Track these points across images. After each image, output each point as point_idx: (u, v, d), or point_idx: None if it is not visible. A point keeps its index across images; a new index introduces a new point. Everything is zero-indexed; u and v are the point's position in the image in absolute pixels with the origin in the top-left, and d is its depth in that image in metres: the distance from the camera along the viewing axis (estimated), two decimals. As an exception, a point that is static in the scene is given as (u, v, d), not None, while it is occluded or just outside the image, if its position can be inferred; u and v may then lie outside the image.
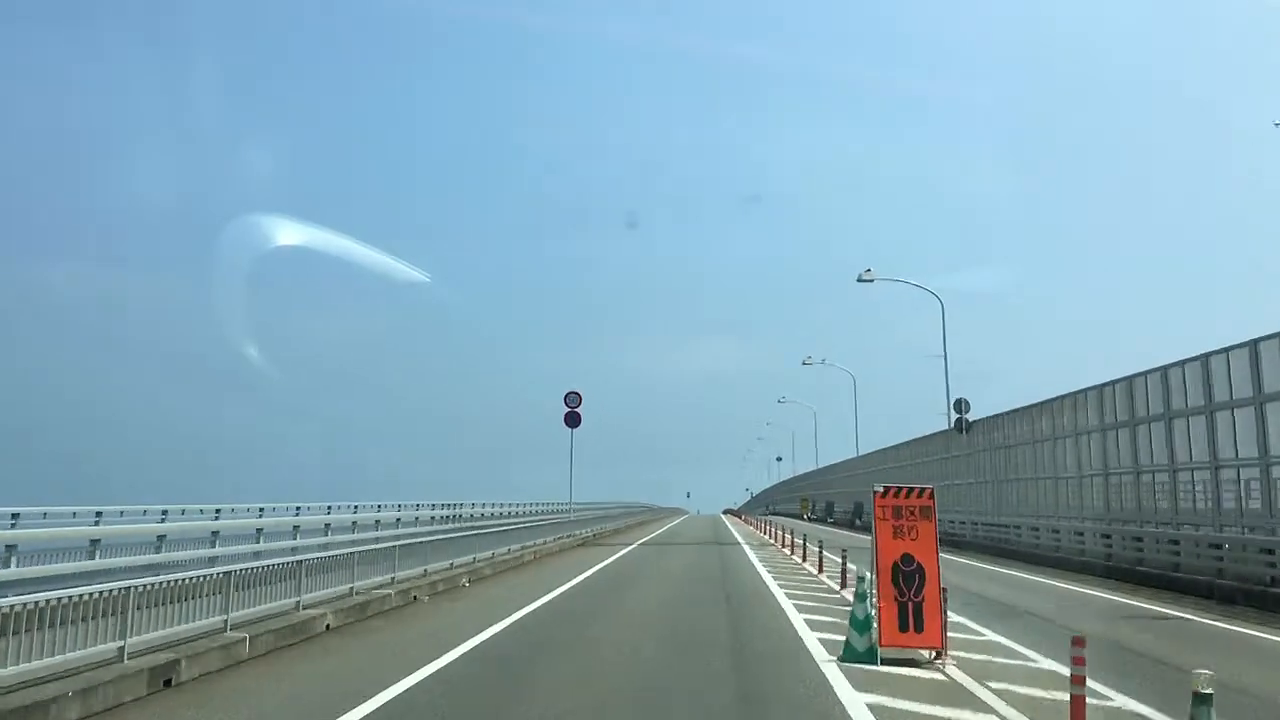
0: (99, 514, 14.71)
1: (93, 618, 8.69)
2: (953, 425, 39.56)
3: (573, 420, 39.40)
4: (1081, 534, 27.78)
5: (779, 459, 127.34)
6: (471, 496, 36.55)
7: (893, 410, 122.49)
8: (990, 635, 12.97)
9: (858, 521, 62.77)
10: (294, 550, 17.30)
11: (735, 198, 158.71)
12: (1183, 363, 22.94)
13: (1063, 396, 31.06)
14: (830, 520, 75.61)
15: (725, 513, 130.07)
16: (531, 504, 42.60)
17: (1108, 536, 26.06)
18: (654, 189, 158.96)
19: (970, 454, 39.17)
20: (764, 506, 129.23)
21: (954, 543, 35.67)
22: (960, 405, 39.10)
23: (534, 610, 15.86)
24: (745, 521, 77.22)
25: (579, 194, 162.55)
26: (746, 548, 35.72)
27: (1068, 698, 7.38)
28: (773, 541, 41.51)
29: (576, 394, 39.72)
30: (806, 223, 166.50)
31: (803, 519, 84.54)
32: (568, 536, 36.29)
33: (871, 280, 43.49)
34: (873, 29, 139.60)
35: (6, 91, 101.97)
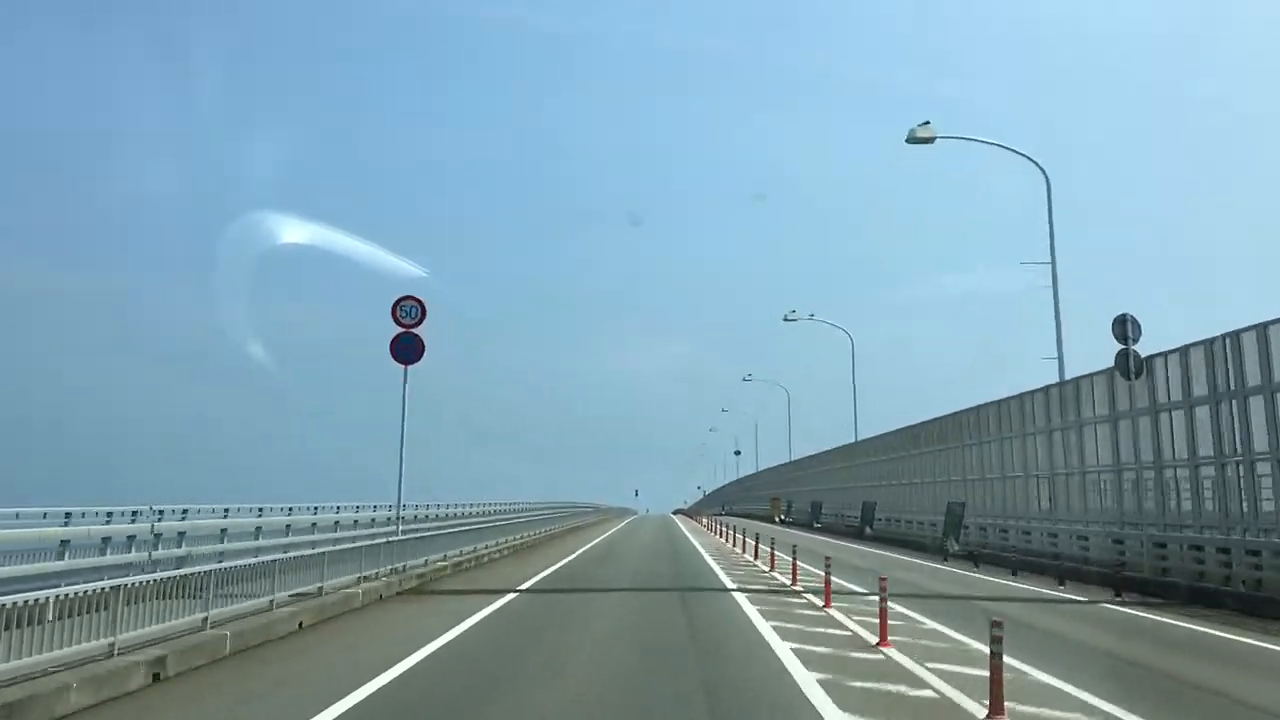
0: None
1: None
2: (1114, 365, 21.79)
3: (406, 349, 21.00)
4: None
5: (738, 452, 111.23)
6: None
7: (902, 397, 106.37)
8: None
9: (868, 530, 44.98)
10: None
11: (740, 196, 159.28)
12: None
13: None
14: (817, 525, 57.81)
15: (676, 513, 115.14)
16: (350, 509, 24.06)
17: None
18: (650, 187, 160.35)
19: (1152, 411, 21.26)
20: (719, 506, 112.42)
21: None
22: (1126, 328, 21.35)
23: None
24: (706, 528, 58.73)
25: (577, 192, 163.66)
26: (752, 612, 16.23)
27: None
28: (768, 568, 23.42)
29: (416, 302, 21.37)
30: (805, 222, 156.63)
31: (775, 521, 68.00)
32: (373, 576, 17.60)
33: (931, 139, 26.59)
34: (874, 27, 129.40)
35: (9, 89, 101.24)
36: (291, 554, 14.50)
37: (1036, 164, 27.60)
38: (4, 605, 7.73)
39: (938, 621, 13.76)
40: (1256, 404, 17.66)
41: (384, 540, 19.20)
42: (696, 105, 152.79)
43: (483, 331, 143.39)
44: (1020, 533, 27.51)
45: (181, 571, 11.29)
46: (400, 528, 21.92)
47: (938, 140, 27.43)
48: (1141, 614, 16.18)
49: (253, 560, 13.28)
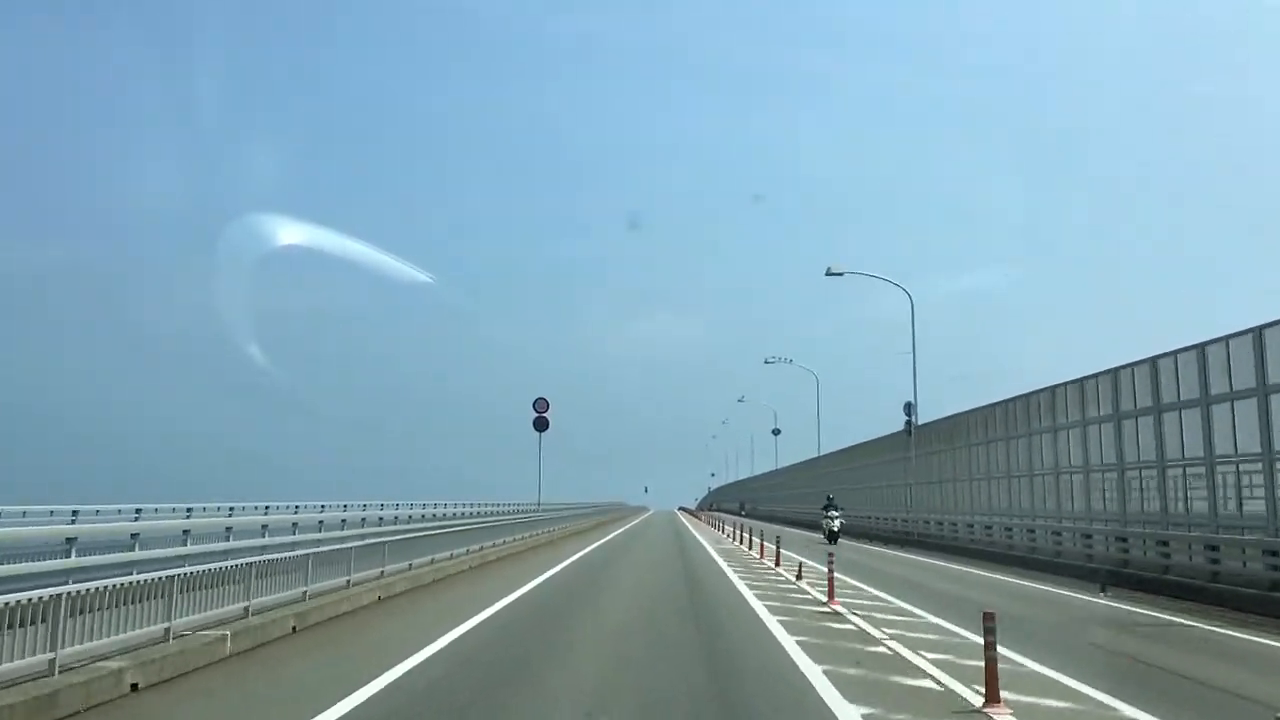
0: None
1: None
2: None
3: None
4: None
5: (776, 431, 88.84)
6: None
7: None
8: None
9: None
10: None
11: (739, 197, 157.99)
12: None
13: None
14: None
15: (682, 510, 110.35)
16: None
17: None
18: (657, 188, 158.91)
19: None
20: (738, 504, 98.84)
21: None
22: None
23: None
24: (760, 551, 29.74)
25: (580, 193, 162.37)
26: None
27: None
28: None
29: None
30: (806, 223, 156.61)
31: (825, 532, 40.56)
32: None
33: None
34: (874, 27, 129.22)
35: (11, 87, 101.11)
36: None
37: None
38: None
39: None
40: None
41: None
42: (697, 105, 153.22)
43: (476, 329, 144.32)
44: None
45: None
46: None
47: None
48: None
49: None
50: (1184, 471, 20.31)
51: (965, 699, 8.30)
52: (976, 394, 42.38)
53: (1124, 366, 22.81)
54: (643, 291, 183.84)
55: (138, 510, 16.38)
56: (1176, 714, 8.20)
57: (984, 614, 8.50)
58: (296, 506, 23.25)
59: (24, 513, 15.75)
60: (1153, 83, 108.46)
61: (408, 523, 27.06)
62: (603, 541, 38.45)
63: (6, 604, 7.46)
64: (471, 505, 37.74)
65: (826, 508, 40.77)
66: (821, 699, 8.30)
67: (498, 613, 14.55)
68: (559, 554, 28.97)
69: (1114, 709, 8.12)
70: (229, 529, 15.89)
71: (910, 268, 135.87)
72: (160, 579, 9.72)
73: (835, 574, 17.11)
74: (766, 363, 66.95)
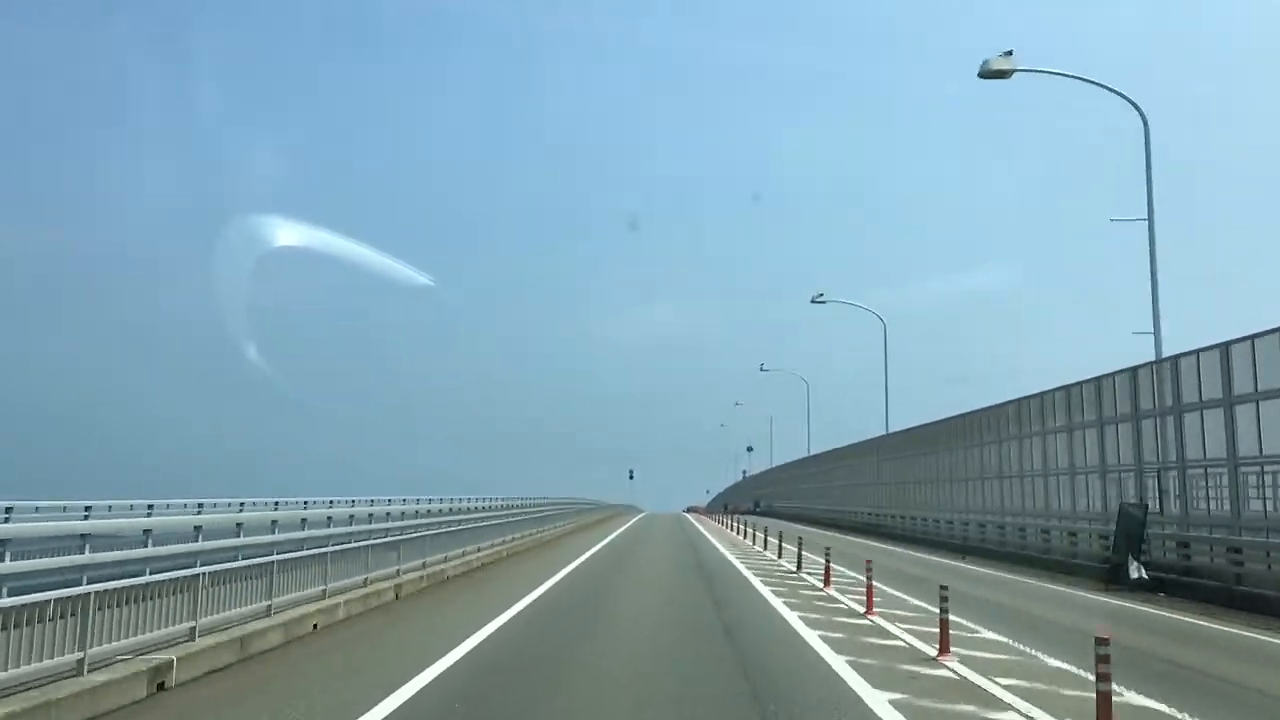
0: None
1: None
2: None
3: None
4: None
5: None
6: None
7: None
8: None
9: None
10: None
11: (738, 197, 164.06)
12: None
13: None
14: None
15: (691, 511, 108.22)
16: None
17: None
18: (656, 186, 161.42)
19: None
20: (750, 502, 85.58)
21: None
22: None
23: None
24: None
25: (581, 193, 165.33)
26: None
27: None
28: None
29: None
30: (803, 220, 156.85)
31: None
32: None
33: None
34: (872, 26, 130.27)
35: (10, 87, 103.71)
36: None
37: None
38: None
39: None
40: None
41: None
42: (697, 105, 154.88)
43: (477, 330, 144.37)
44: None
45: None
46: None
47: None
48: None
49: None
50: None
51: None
52: (976, 395, 43.40)
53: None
54: (642, 288, 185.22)
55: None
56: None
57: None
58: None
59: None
60: (1152, 81, 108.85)
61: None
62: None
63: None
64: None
65: None
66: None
67: None
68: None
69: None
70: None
71: (912, 266, 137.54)
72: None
73: None
74: (813, 302, 51.56)
